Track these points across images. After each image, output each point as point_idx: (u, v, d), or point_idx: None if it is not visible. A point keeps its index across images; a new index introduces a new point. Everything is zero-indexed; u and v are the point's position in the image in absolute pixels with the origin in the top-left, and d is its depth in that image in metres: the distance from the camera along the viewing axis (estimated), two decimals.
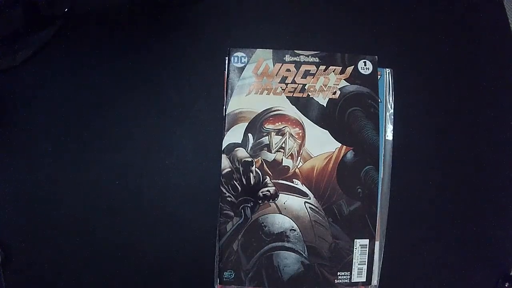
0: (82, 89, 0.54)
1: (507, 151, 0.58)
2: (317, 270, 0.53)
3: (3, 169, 0.52)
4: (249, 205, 0.53)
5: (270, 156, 0.53)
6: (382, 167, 0.55)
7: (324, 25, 0.58)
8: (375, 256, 0.54)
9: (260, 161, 0.53)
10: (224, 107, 0.54)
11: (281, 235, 0.53)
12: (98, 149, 0.54)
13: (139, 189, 0.53)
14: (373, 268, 0.54)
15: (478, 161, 0.58)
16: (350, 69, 0.55)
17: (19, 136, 0.53)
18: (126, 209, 0.53)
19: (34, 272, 0.52)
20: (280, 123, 0.54)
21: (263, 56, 0.54)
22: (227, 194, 0.53)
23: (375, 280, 0.54)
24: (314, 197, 0.53)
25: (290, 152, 0.53)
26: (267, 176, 0.53)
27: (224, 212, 0.52)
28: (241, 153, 0.53)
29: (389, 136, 0.56)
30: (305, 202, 0.53)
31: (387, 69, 0.57)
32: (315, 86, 0.54)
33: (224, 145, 0.53)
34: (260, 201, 0.53)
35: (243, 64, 0.54)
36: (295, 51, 0.55)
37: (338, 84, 0.55)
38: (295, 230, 0.53)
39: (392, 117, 0.56)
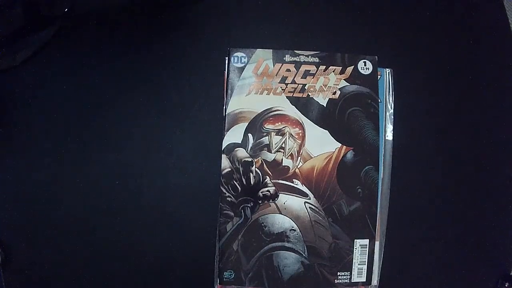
0: (82, 89, 0.54)
1: (507, 151, 0.58)
2: (317, 270, 0.53)
3: (3, 169, 0.52)
4: (249, 205, 0.53)
5: (270, 156, 0.53)
6: (382, 167, 0.55)
7: (324, 25, 0.58)
8: (375, 256, 0.54)
9: (260, 161, 0.53)
10: (224, 107, 0.54)
11: (281, 235, 0.53)
12: (98, 149, 0.54)
13: (139, 189, 0.53)
14: (373, 268, 0.54)
15: (478, 161, 0.58)
16: (350, 69, 0.55)
17: (19, 136, 0.53)
18: (126, 209, 0.53)
19: (34, 272, 0.52)
20: (280, 123, 0.54)
21: (263, 56, 0.54)
22: (227, 194, 0.53)
23: (375, 280, 0.54)
24: (314, 197, 0.53)
25: (290, 152, 0.53)
26: (267, 176, 0.53)
27: (224, 212, 0.52)
28: (241, 153, 0.53)
29: (389, 136, 0.56)
30: (305, 202, 0.53)
31: (387, 69, 0.57)
32: (315, 86, 0.54)
33: (224, 145, 0.53)
34: (260, 201, 0.53)
35: (243, 64, 0.54)
36: (295, 51, 0.55)
37: (338, 84, 0.55)
38: (295, 230, 0.53)
39: (392, 117, 0.56)
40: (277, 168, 0.53)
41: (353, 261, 0.54)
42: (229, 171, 0.53)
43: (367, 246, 0.54)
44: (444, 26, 0.59)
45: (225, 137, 0.53)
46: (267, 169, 0.53)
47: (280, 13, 0.57)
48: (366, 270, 0.54)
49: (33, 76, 0.54)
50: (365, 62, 0.55)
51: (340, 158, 0.54)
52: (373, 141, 0.55)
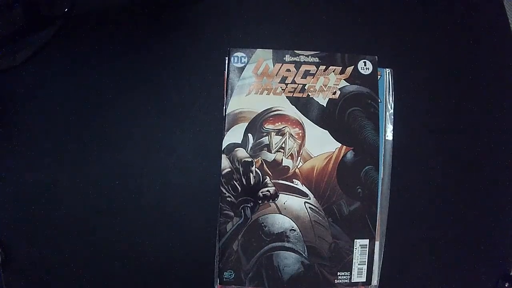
0: (82, 89, 0.54)
1: (507, 151, 0.58)
2: (317, 270, 0.53)
3: (3, 169, 0.52)
4: (249, 205, 0.53)
5: (270, 156, 0.53)
6: (382, 167, 0.55)
7: (324, 25, 0.58)
8: (375, 256, 0.54)
9: (260, 161, 0.53)
10: (224, 107, 0.54)
11: (281, 235, 0.53)
12: (98, 149, 0.54)
13: (139, 189, 0.53)
14: (373, 268, 0.54)
15: (478, 161, 0.58)
16: (350, 69, 0.55)
17: (19, 136, 0.53)
18: (126, 209, 0.53)
19: (34, 272, 0.52)
20: (280, 123, 0.54)
21: (263, 56, 0.54)
22: (227, 194, 0.53)
23: (375, 280, 0.54)
24: (314, 197, 0.53)
25: (290, 152, 0.53)
26: (267, 176, 0.53)
27: (224, 212, 0.52)
28: (241, 153, 0.53)
29: (389, 136, 0.56)
30: (305, 202, 0.53)
31: (387, 69, 0.57)
32: (315, 86, 0.54)
33: (224, 145, 0.53)
34: (260, 201, 0.53)
35: (243, 64, 0.54)
36: (295, 51, 0.55)
37: (338, 84, 0.55)
38: (295, 230, 0.53)
39: (392, 117, 0.56)
40: (277, 168, 0.53)
41: (353, 261, 0.54)
42: (229, 171, 0.53)
43: (367, 246, 0.54)
44: (444, 26, 0.59)
45: (225, 137, 0.53)
46: (267, 169, 0.53)
47: (280, 13, 0.57)
48: (366, 270, 0.54)
49: (33, 76, 0.54)
50: (365, 62, 0.55)
51: (340, 158, 0.54)
52: (373, 141, 0.55)
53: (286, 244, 0.53)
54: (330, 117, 0.54)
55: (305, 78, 0.55)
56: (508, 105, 0.59)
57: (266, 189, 0.53)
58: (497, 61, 0.60)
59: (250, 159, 0.53)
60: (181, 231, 0.53)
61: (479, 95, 0.59)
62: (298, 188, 0.53)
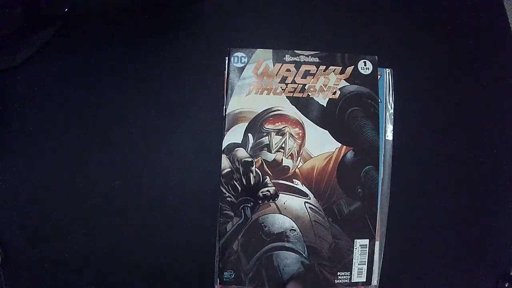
0: (82, 89, 0.54)
1: (507, 151, 0.58)
2: (317, 270, 0.53)
3: (3, 169, 0.52)
4: (249, 205, 0.53)
5: (270, 156, 0.53)
6: (382, 167, 0.55)
7: (324, 25, 0.58)
8: (375, 256, 0.54)
9: (260, 161, 0.53)
10: (224, 107, 0.54)
11: (281, 235, 0.53)
12: (98, 149, 0.53)
13: (139, 189, 0.53)
14: (373, 268, 0.54)
15: (478, 161, 0.58)
16: (350, 69, 0.55)
17: (19, 136, 0.53)
18: (126, 209, 0.53)
19: (34, 272, 0.52)
20: (280, 123, 0.54)
21: (263, 56, 0.54)
22: (227, 194, 0.53)
23: (375, 280, 0.54)
24: (314, 197, 0.53)
25: (290, 152, 0.53)
26: (267, 176, 0.53)
27: (224, 212, 0.52)
28: (241, 153, 0.53)
29: (389, 136, 0.56)
30: (305, 202, 0.53)
31: (387, 69, 0.57)
32: (315, 86, 0.54)
33: (224, 145, 0.53)
34: (260, 201, 0.53)
35: (243, 64, 0.54)
36: (295, 51, 0.55)
37: (338, 84, 0.55)
38: (295, 230, 0.53)
39: (392, 117, 0.56)
40: (277, 168, 0.53)
41: (353, 261, 0.54)
42: (229, 171, 0.53)
43: (367, 246, 0.54)
44: (444, 26, 0.59)
45: (225, 137, 0.53)
46: (267, 169, 0.53)
47: (280, 13, 0.57)
48: (366, 270, 0.54)
49: (33, 76, 0.54)
50: (365, 62, 0.56)
51: (340, 158, 0.54)
52: (373, 141, 0.55)
53: (286, 244, 0.53)
54: (330, 117, 0.54)
55: (305, 78, 0.55)
56: (508, 105, 0.59)
57: (266, 189, 0.53)
58: (497, 61, 0.60)
59: (250, 159, 0.53)
60: (181, 231, 0.53)
61: (479, 95, 0.59)
62: (298, 188, 0.53)
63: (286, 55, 0.55)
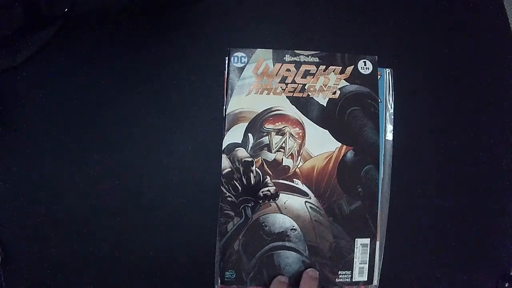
0: (82, 89, 0.54)
1: (507, 151, 0.58)
2: (318, 269, 0.53)
3: (3, 169, 0.52)
4: (250, 205, 0.53)
5: (270, 156, 0.53)
6: (382, 167, 0.55)
7: (324, 25, 0.58)
8: (376, 256, 0.54)
9: (260, 161, 0.53)
10: (224, 107, 0.54)
11: (281, 235, 0.53)
12: (98, 149, 0.53)
13: (139, 189, 0.53)
14: (374, 267, 0.54)
15: (478, 161, 0.58)
16: (350, 69, 0.55)
17: (19, 136, 0.53)
18: (126, 209, 0.53)
19: (34, 272, 0.52)
20: (280, 123, 0.54)
21: (263, 56, 0.54)
22: (228, 194, 0.53)
23: (375, 280, 0.54)
24: (315, 196, 0.53)
25: (290, 152, 0.53)
26: (268, 176, 0.53)
27: (225, 212, 0.52)
28: (241, 153, 0.53)
29: (389, 136, 0.56)
30: (305, 201, 0.53)
31: (387, 69, 0.57)
32: (315, 86, 0.54)
33: (224, 145, 0.53)
34: (260, 201, 0.53)
35: (243, 64, 0.54)
36: (295, 51, 0.55)
37: (338, 84, 0.55)
38: (295, 230, 0.53)
39: (392, 117, 0.56)
40: (277, 167, 0.53)
41: (354, 260, 0.54)
42: (230, 171, 0.53)
43: (368, 245, 0.54)
44: (444, 26, 0.60)
45: (225, 137, 0.53)
46: (267, 168, 0.53)
47: (280, 13, 0.58)
48: (367, 269, 0.54)
49: (33, 76, 0.54)
50: (365, 62, 0.56)
51: (340, 158, 0.54)
52: (373, 140, 0.55)
53: (287, 244, 0.53)
54: (330, 117, 0.54)
55: (305, 78, 0.55)
56: (508, 105, 0.59)
57: (267, 188, 0.53)
58: (497, 61, 0.60)
59: (250, 159, 0.53)
60: (182, 231, 0.53)
61: (479, 95, 0.59)
62: (299, 188, 0.53)
63: (286, 55, 0.55)
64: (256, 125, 0.53)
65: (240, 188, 0.53)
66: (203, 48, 0.56)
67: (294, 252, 0.53)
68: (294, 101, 0.54)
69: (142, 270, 0.53)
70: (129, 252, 0.53)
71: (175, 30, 0.56)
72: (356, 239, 0.53)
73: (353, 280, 0.53)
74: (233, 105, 0.54)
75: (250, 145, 0.53)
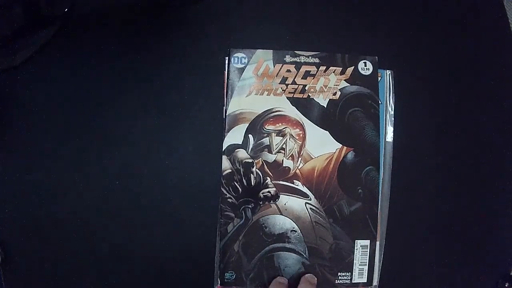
0: (82, 89, 0.54)
1: (507, 151, 0.58)
2: (318, 271, 0.53)
3: (3, 169, 0.52)
4: (250, 206, 0.53)
5: (270, 157, 0.53)
6: (382, 168, 0.55)
7: (324, 25, 0.58)
8: (376, 257, 0.54)
9: (260, 162, 0.53)
10: (224, 108, 0.54)
11: (282, 236, 0.53)
12: (98, 149, 0.53)
13: (139, 189, 0.53)
14: (374, 268, 0.54)
15: (478, 162, 0.58)
16: (350, 69, 0.55)
17: (19, 136, 0.53)
18: (126, 209, 0.53)
19: (34, 272, 0.52)
20: (280, 124, 0.54)
21: (263, 57, 0.54)
22: (228, 195, 0.53)
23: (375, 281, 0.54)
24: (315, 197, 0.53)
25: (291, 153, 0.53)
26: (268, 177, 0.53)
27: (225, 213, 0.52)
28: (242, 154, 0.53)
29: (389, 137, 0.56)
30: (305, 203, 0.53)
31: (387, 70, 0.57)
32: (315, 86, 0.54)
33: (224, 146, 0.53)
34: (260, 202, 0.53)
35: (243, 65, 0.54)
36: (295, 51, 0.55)
37: (338, 85, 0.55)
38: (295, 231, 0.53)
39: (393, 118, 0.56)
40: (277, 169, 0.53)
41: (354, 261, 0.54)
42: (230, 172, 0.53)
43: (368, 247, 0.54)
44: (444, 26, 0.59)
45: (225, 138, 0.53)
46: (267, 170, 0.53)
47: (280, 13, 0.57)
48: (367, 271, 0.54)
49: (33, 76, 0.54)
50: (365, 63, 0.55)
51: (340, 159, 0.54)
52: (374, 141, 0.55)
53: (287, 245, 0.53)
54: (330, 118, 0.54)
55: (306, 78, 0.54)
56: (508, 105, 0.59)
57: (267, 190, 0.53)
58: (497, 61, 0.60)
59: (250, 160, 0.53)
60: (182, 232, 0.53)
61: (479, 95, 0.59)
62: (299, 189, 0.53)
63: (287, 56, 0.55)
64: (257, 126, 0.53)
65: (240, 189, 0.53)
66: (203, 48, 0.56)
67: (294, 254, 0.53)
68: (294, 102, 0.54)
69: (142, 270, 0.53)
70: (129, 252, 0.53)
71: (175, 30, 0.56)
72: (356, 241, 0.54)
73: (353, 282, 0.54)
74: (234, 106, 0.53)
75: (251, 146, 0.53)
